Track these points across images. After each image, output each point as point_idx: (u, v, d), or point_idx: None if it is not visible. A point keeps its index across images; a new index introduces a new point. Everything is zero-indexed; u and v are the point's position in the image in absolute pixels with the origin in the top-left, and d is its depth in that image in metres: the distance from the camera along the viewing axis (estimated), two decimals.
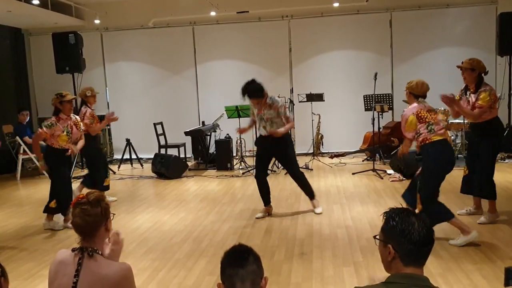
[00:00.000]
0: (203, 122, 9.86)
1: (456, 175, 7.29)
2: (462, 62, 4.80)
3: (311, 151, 9.63)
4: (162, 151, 9.07)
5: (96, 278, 2.05)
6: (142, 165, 9.52)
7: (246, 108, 8.36)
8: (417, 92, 4.35)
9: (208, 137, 9.48)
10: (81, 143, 5.63)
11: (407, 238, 1.73)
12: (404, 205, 3.64)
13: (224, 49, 10.10)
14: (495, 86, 8.44)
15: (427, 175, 4.35)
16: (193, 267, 4.05)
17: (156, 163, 8.32)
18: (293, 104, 9.43)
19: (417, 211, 4.25)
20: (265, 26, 9.96)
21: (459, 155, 8.45)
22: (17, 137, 8.80)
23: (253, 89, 5.33)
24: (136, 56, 10.44)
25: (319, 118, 9.54)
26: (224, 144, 8.74)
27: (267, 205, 5.63)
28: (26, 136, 8.92)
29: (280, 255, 4.23)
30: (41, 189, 7.85)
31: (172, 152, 8.90)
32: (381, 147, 8.51)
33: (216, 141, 8.93)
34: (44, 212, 5.45)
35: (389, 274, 1.77)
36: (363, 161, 8.96)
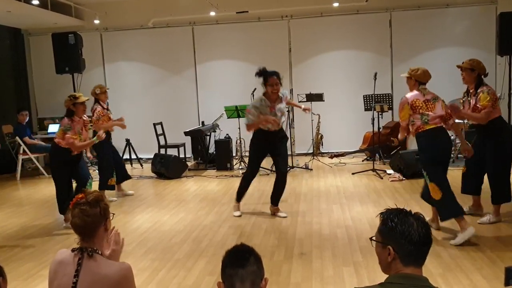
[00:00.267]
0: (202, 122, 9.86)
1: (456, 175, 7.30)
2: (463, 62, 4.80)
3: (311, 151, 9.63)
4: (162, 151, 9.07)
5: (96, 278, 2.05)
6: (141, 165, 9.52)
7: (245, 108, 8.36)
8: (423, 80, 4.51)
9: (208, 137, 9.48)
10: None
11: (407, 239, 1.72)
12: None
13: (223, 49, 10.10)
14: (495, 86, 8.44)
15: (423, 163, 4.49)
16: (193, 267, 4.05)
17: (156, 163, 8.32)
18: None
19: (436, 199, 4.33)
20: (264, 26, 9.96)
21: (459, 155, 8.46)
22: (17, 137, 8.80)
23: (274, 71, 5.24)
24: (135, 56, 10.43)
25: (319, 118, 9.54)
26: (224, 144, 8.74)
27: (239, 201, 5.68)
28: (26, 136, 8.92)
29: (279, 255, 4.23)
30: (41, 189, 7.85)
31: (172, 152, 8.90)
32: (381, 147, 8.51)
33: (215, 141, 8.93)
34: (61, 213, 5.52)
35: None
36: (363, 161, 8.96)
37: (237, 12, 9.66)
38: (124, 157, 9.40)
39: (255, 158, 5.54)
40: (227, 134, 8.99)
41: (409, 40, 9.57)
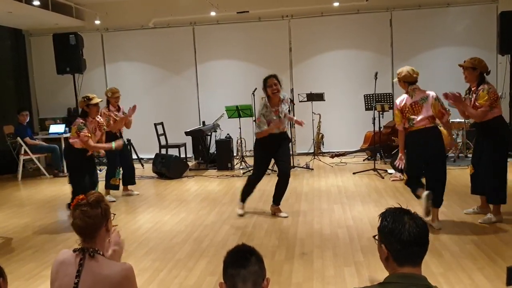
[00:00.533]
0: (203, 122, 9.87)
1: (457, 174, 7.31)
2: (465, 61, 4.78)
3: (312, 150, 9.63)
4: (163, 151, 9.08)
5: (97, 278, 2.05)
6: (143, 165, 9.53)
7: (246, 108, 8.37)
8: (410, 79, 4.74)
9: (209, 137, 9.49)
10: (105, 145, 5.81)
11: (396, 237, 1.72)
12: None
13: (224, 49, 10.11)
14: (496, 85, 8.41)
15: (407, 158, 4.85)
16: (194, 267, 4.05)
17: (157, 163, 8.32)
18: (294, 104, 9.41)
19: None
20: (265, 26, 9.96)
21: (460, 155, 8.45)
22: (18, 138, 8.81)
23: (273, 74, 5.35)
24: (136, 57, 10.44)
25: (320, 117, 9.54)
26: (225, 144, 8.74)
27: (244, 201, 5.69)
28: (27, 136, 8.93)
29: (281, 255, 4.23)
30: (42, 189, 7.86)
31: (173, 152, 8.90)
32: (381, 146, 8.50)
33: (216, 141, 8.93)
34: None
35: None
36: (364, 160, 8.96)
37: (237, 12, 9.66)
38: None
39: (260, 162, 5.57)
40: (228, 134, 9.00)
41: (409, 40, 9.56)
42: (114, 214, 2.31)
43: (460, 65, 4.83)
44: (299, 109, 9.50)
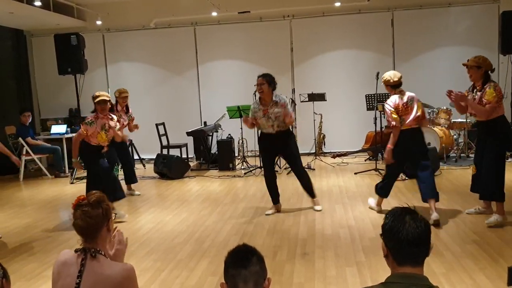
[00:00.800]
0: (205, 123, 9.87)
1: (459, 174, 7.30)
2: (468, 60, 4.75)
3: (313, 150, 9.63)
4: (164, 151, 9.07)
5: (99, 278, 2.05)
6: (144, 166, 9.53)
7: (247, 108, 8.35)
8: (394, 83, 4.99)
9: (210, 137, 9.49)
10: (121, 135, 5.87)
11: (394, 236, 1.72)
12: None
13: (225, 49, 10.11)
14: None
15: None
16: (196, 268, 4.05)
17: (158, 164, 8.33)
18: (295, 104, 9.41)
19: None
20: (266, 26, 9.95)
21: (461, 154, 8.45)
22: (20, 138, 8.82)
23: (265, 73, 5.47)
24: (138, 57, 10.45)
25: (321, 117, 9.53)
26: (226, 144, 8.74)
27: (277, 203, 5.70)
28: (29, 137, 8.94)
29: (282, 255, 4.23)
30: (44, 190, 7.87)
31: (174, 152, 8.90)
32: (383, 146, 8.47)
33: (218, 141, 8.93)
34: None
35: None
36: (365, 160, 8.95)
37: (239, 12, 9.66)
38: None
39: (263, 159, 5.82)
40: (229, 134, 9.00)
41: (411, 40, 9.55)
42: (115, 214, 2.32)
43: (464, 64, 4.79)
44: (301, 109, 9.50)
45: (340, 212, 5.58)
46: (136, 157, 9.52)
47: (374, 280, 3.53)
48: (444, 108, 8.27)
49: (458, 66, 4.92)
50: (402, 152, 5.03)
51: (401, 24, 9.59)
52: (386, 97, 8.56)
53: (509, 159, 8.14)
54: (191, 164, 9.11)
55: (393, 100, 4.98)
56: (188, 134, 8.95)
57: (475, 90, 4.76)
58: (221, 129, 9.38)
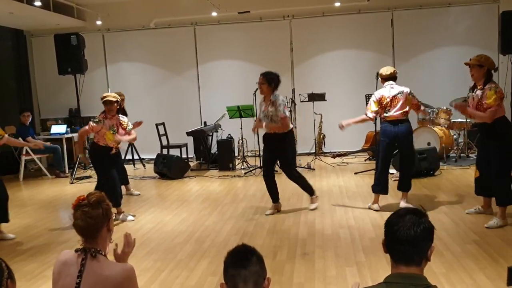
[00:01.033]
0: (205, 123, 9.87)
1: (459, 174, 7.30)
2: (471, 59, 4.71)
3: (313, 151, 9.63)
4: (164, 151, 9.08)
5: (99, 278, 2.05)
6: (144, 166, 9.53)
7: (247, 108, 8.37)
8: (385, 76, 5.37)
9: (210, 137, 9.49)
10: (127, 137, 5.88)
11: (390, 231, 1.75)
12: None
13: (225, 50, 10.11)
14: None
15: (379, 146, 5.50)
16: (196, 268, 4.05)
17: (158, 164, 8.33)
18: (295, 104, 9.43)
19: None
20: (266, 26, 9.95)
21: (461, 154, 8.45)
22: (20, 138, 8.80)
23: (267, 71, 5.51)
24: (137, 57, 10.45)
25: (321, 117, 9.53)
26: (226, 144, 8.74)
27: (276, 202, 5.70)
28: (29, 137, 8.93)
29: (282, 255, 4.23)
30: (44, 190, 7.87)
31: (174, 152, 8.90)
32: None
33: (218, 141, 8.93)
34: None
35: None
36: (365, 160, 8.95)
37: (239, 12, 9.66)
38: (127, 157, 9.43)
39: (262, 157, 5.92)
40: (229, 134, 9.00)
41: (410, 40, 9.55)
42: (116, 214, 2.32)
43: (466, 63, 4.74)
44: (301, 109, 9.50)
45: (340, 212, 5.58)
46: (136, 157, 9.53)
47: (374, 280, 3.53)
48: (444, 108, 8.27)
49: (458, 66, 4.92)
50: (387, 143, 5.36)
51: (401, 24, 9.59)
52: None
53: None
54: (191, 164, 9.12)
55: (380, 92, 5.36)
56: (188, 134, 8.95)
57: (475, 90, 4.72)
58: (221, 129, 9.37)
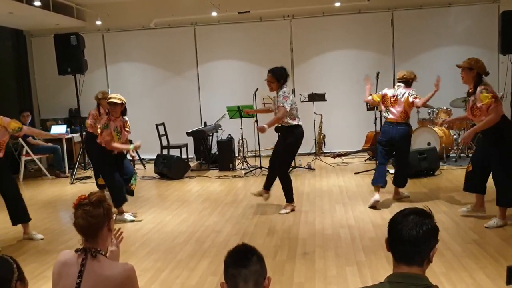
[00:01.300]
0: (205, 123, 9.87)
1: (459, 174, 7.29)
2: (463, 62, 4.76)
3: (313, 151, 9.62)
4: (164, 151, 9.08)
5: (99, 278, 2.05)
6: (144, 166, 9.53)
7: (247, 108, 8.36)
8: (397, 79, 5.77)
9: (210, 137, 9.49)
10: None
11: (393, 230, 1.76)
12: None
13: (225, 50, 10.11)
14: (497, 85, 8.42)
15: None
16: (196, 268, 4.05)
17: (159, 164, 8.33)
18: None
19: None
20: (266, 26, 9.95)
21: (461, 154, 8.44)
22: (20, 138, 8.81)
23: (274, 68, 5.64)
24: (137, 57, 10.44)
25: (321, 118, 9.53)
26: (226, 145, 8.73)
27: (265, 189, 5.84)
28: (29, 137, 8.93)
29: (282, 255, 4.23)
30: (44, 190, 7.87)
31: (174, 152, 8.90)
32: None
33: (218, 142, 8.93)
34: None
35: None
36: (365, 160, 8.95)
37: (239, 12, 9.66)
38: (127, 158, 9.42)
39: (275, 147, 5.89)
40: (230, 135, 8.99)
41: (411, 40, 9.55)
42: (116, 214, 2.32)
43: (457, 66, 4.79)
44: (301, 109, 9.46)
45: (340, 212, 5.58)
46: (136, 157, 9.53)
47: (375, 279, 3.53)
48: (444, 108, 8.27)
49: (456, 66, 4.90)
50: (384, 141, 5.68)
51: (401, 24, 9.59)
52: None
53: None
54: (191, 164, 9.11)
55: (385, 90, 5.80)
56: (188, 134, 8.95)
57: (471, 95, 4.73)
58: (221, 129, 9.37)
